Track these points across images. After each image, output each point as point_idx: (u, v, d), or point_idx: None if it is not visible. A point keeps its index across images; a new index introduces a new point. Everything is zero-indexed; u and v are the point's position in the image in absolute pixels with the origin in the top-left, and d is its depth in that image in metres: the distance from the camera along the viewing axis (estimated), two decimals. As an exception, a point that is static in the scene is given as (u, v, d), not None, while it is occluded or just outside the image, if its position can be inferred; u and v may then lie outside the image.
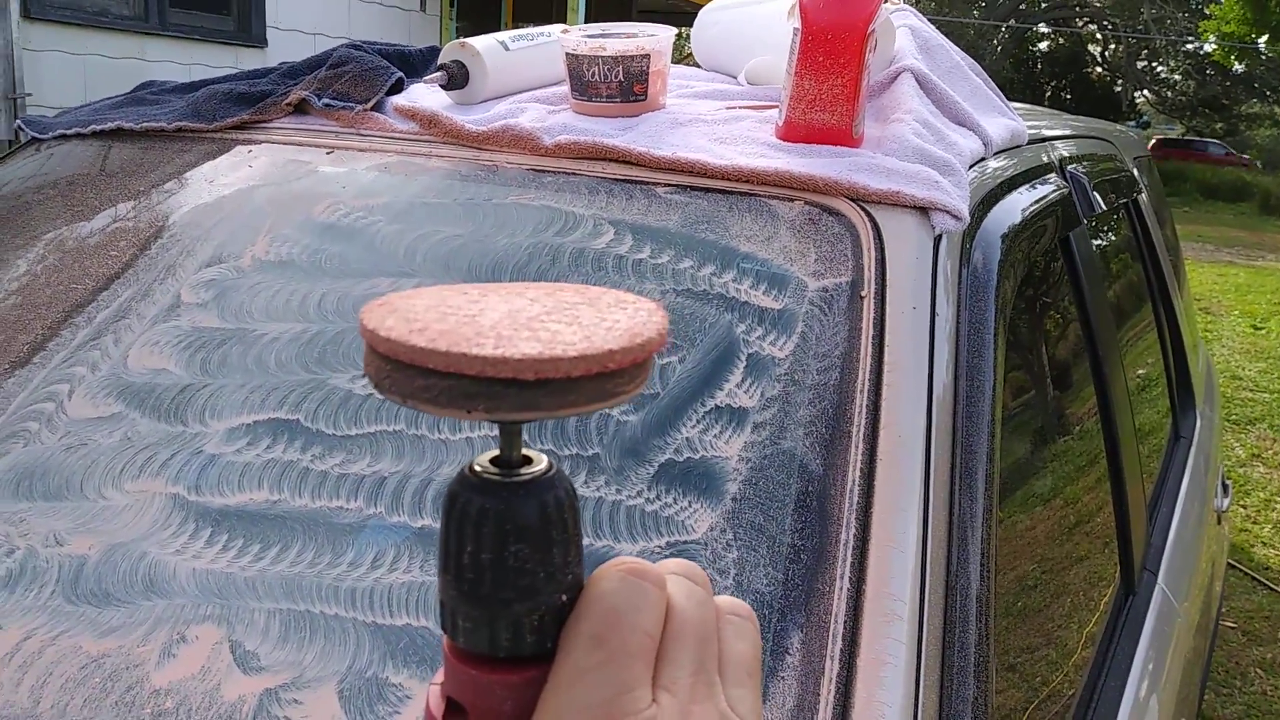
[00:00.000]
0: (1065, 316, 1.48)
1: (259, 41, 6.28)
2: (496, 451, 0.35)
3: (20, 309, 1.12)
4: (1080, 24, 23.69)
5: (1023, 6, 23.00)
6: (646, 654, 0.35)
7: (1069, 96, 23.84)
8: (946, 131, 1.11)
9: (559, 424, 0.89)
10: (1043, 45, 24.92)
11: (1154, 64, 24.04)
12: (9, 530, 0.90)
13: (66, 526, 0.89)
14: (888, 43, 1.21)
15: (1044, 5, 23.59)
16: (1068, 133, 1.84)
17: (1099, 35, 24.18)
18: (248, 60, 6.14)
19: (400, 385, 0.32)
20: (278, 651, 0.78)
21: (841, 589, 0.77)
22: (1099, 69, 24.99)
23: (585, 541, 0.81)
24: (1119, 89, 24.13)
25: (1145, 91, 24.76)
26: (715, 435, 0.86)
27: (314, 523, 0.86)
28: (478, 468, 0.35)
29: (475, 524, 0.33)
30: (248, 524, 0.86)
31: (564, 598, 0.35)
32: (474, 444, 0.89)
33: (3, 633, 0.82)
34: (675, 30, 1.21)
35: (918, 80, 1.17)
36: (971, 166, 1.14)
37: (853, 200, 1.01)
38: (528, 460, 0.35)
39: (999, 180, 1.20)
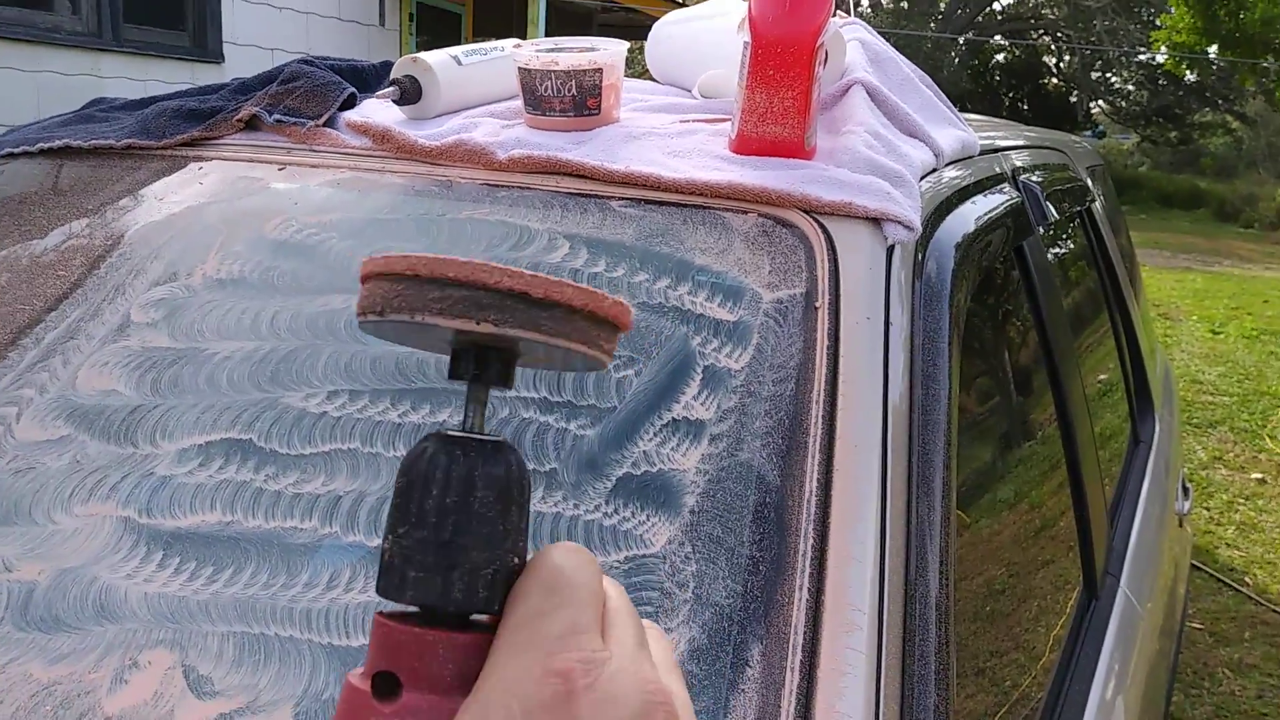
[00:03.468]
0: (1021, 324, 1.49)
1: (215, 57, 6.22)
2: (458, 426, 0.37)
3: (-34, 331, 1.10)
4: (1035, 36, 24.04)
5: (979, 19, 23.32)
6: (597, 606, 0.35)
7: (1026, 107, 24.17)
8: (897, 143, 1.12)
9: (515, 438, 0.88)
10: (1000, 57, 25.25)
11: (1108, 75, 24.43)
12: (-45, 558, 0.88)
13: (15, 552, 0.87)
14: (838, 56, 1.22)
15: (1000, 18, 23.92)
16: (1020, 143, 1.87)
17: (1053, 47, 24.54)
18: (204, 76, 6.09)
19: (413, 300, 0.34)
20: (232, 675, 0.77)
21: (800, 600, 0.77)
22: (1055, 80, 25.35)
23: None
24: (1074, 100, 24.49)
25: (1100, 102, 25.14)
26: (672, 448, 0.86)
27: (268, 544, 0.85)
28: (445, 431, 0.37)
29: (445, 470, 0.35)
30: (200, 546, 0.85)
31: (515, 560, 0.36)
32: (430, 461, 0.88)
33: (-51, 663, 0.80)
34: (628, 44, 1.21)
35: (868, 92, 1.18)
36: (923, 177, 1.15)
37: (805, 212, 1.01)
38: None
39: (951, 191, 1.21)
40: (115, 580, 0.84)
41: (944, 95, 1.38)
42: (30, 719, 0.77)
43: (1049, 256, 1.66)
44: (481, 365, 0.36)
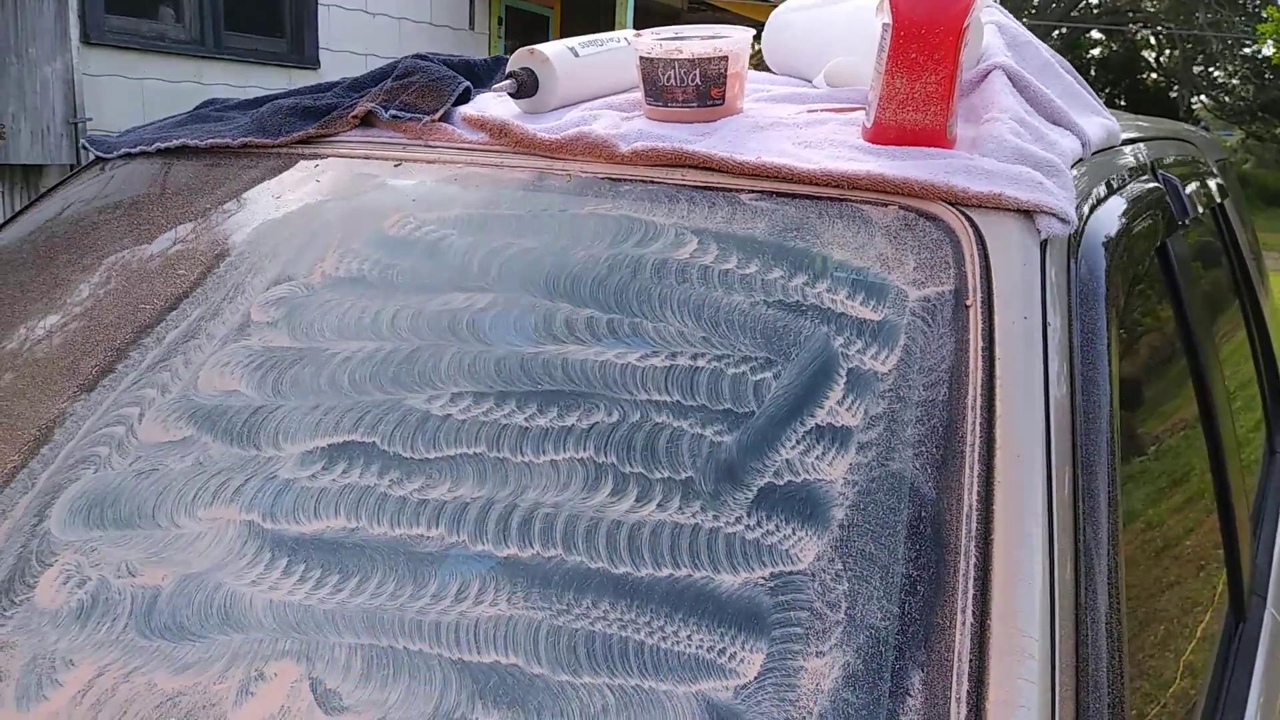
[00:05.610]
0: (1166, 326, 1.40)
1: (312, 63, 6.33)
2: None
3: (88, 330, 1.09)
4: (1134, 29, 23.30)
5: (1074, 13, 22.68)
6: None
7: (1124, 103, 23.43)
8: (1045, 131, 1.05)
9: (648, 445, 0.84)
10: (1096, 51, 24.52)
11: (1210, 69, 23.55)
12: (80, 560, 0.87)
13: (139, 556, 0.86)
14: (976, 40, 1.15)
15: (1096, 10, 23.24)
16: (1154, 135, 1.76)
17: (1154, 41, 23.76)
18: (301, 81, 6.19)
19: None
20: (360, 690, 0.74)
21: (964, 624, 0.71)
22: (1154, 75, 24.55)
23: (683, 572, 0.76)
24: (1175, 95, 23.68)
25: (1202, 97, 24.26)
26: (817, 457, 0.81)
27: (394, 552, 0.81)
28: None
29: None
30: (325, 553, 0.82)
31: None
32: (559, 467, 0.84)
33: (75, 669, 0.79)
34: (754, 31, 1.16)
35: (1010, 78, 1.11)
36: (1070, 168, 1.08)
37: (951, 204, 0.95)
38: None
39: (1099, 182, 1.13)
40: (240, 587, 0.82)
41: (1084, 81, 1.30)
42: (154, 728, 0.75)
43: (1189, 253, 1.56)
44: None
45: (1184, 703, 1.21)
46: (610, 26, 8.75)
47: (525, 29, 9.27)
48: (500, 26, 8.66)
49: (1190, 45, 21.63)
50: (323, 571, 0.81)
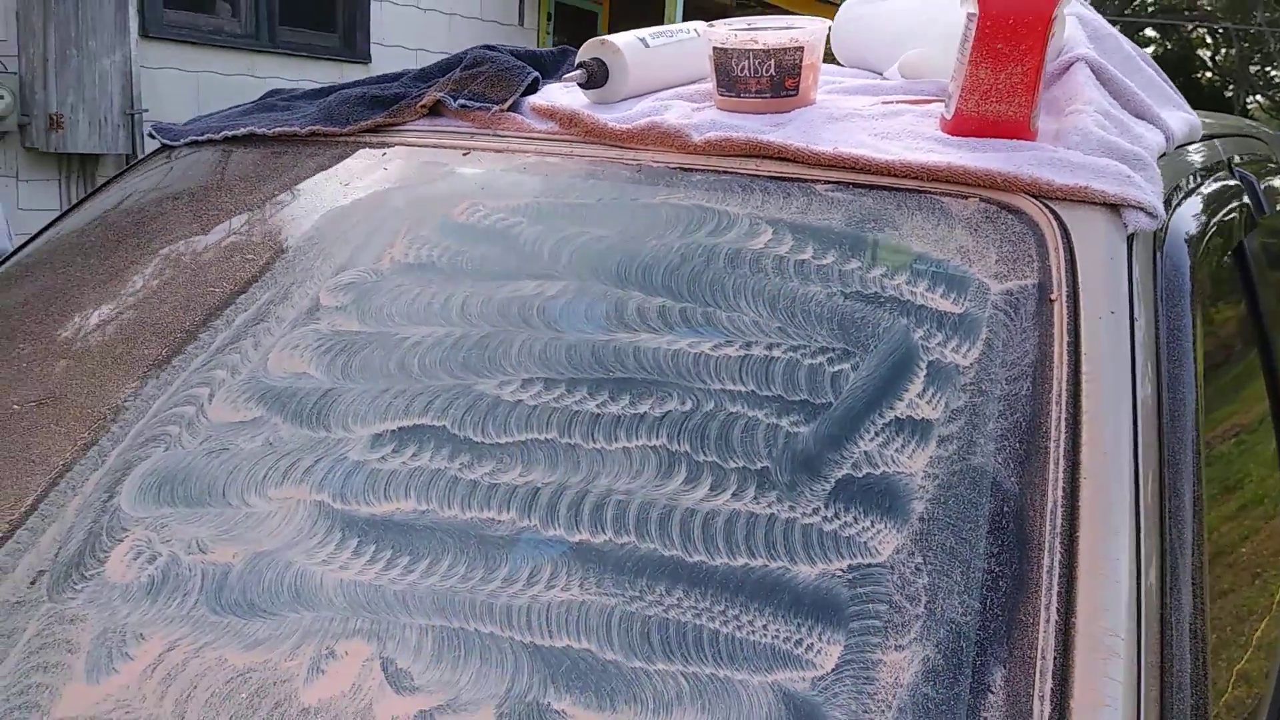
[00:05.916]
0: (1243, 325, 1.37)
1: (363, 58, 6.38)
2: None
3: (158, 313, 1.10)
4: (1189, 28, 22.87)
5: (1127, 13, 22.32)
6: None
7: (1177, 105, 22.92)
8: (1130, 124, 1.02)
9: (722, 434, 0.83)
10: (1150, 49, 24.12)
11: (1268, 68, 23.07)
12: (150, 536, 0.87)
13: (209, 534, 0.86)
14: (1060, 32, 1.12)
15: (1152, 8, 22.86)
16: (1224, 131, 1.72)
17: (1210, 39, 23.31)
18: (352, 76, 6.23)
19: None
20: (431, 671, 0.74)
21: (1049, 620, 0.69)
22: (1209, 73, 24.10)
23: (758, 562, 0.75)
24: (1230, 94, 23.22)
25: (1259, 96, 23.78)
26: (896, 449, 0.79)
27: (465, 535, 0.81)
28: None
29: None
30: (396, 534, 0.82)
31: None
32: (631, 454, 0.83)
33: (145, 643, 0.79)
34: (829, 22, 1.15)
35: (1093, 70, 1.09)
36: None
37: (1034, 197, 0.93)
38: None
39: (1182, 177, 1.11)
40: (310, 566, 0.82)
41: (1165, 75, 1.27)
42: (225, 705, 0.75)
43: (1264, 251, 1.53)
44: None
45: (1240, 711, 1.18)
46: (660, 23, 8.72)
47: (574, 25, 9.28)
48: (549, 22, 8.67)
49: (1247, 44, 21.22)
50: (393, 553, 0.81)
